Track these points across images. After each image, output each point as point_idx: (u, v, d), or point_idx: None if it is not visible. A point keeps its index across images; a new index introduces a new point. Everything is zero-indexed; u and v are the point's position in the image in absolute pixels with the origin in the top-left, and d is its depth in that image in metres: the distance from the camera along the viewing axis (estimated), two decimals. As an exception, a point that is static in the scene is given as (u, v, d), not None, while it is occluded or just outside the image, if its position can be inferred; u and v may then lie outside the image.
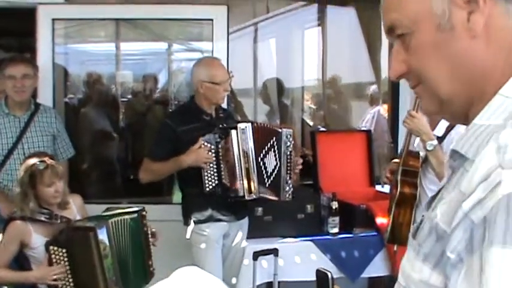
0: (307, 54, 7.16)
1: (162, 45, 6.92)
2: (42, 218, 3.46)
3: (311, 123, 6.91)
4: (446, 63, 1.00)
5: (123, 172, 5.58)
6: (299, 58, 7.20)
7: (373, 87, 7.00)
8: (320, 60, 6.80)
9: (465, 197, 0.89)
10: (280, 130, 3.91)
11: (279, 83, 6.75)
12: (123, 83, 6.71)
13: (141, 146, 5.57)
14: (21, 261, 3.53)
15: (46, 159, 3.49)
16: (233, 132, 3.77)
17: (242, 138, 3.77)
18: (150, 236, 3.63)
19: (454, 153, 1.01)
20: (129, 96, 6.62)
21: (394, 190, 3.65)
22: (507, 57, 0.99)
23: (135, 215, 3.60)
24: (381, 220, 4.30)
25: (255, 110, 7.16)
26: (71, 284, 3.42)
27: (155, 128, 5.82)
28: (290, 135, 3.90)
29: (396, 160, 3.77)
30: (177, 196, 4.86)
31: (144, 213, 3.63)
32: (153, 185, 4.35)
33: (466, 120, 1.04)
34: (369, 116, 6.67)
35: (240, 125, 3.81)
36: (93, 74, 6.07)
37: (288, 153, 3.87)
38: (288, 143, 3.88)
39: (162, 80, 6.90)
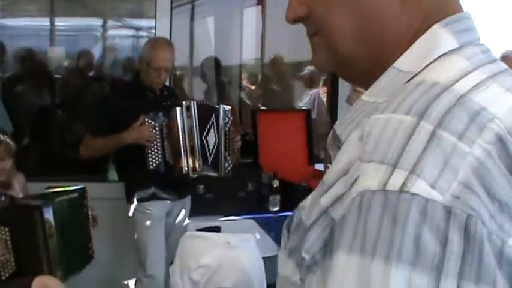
0: (246, 33, 7.17)
1: (96, 21, 6.80)
2: None
3: (248, 102, 6.94)
4: (353, 16, 0.83)
5: (60, 150, 5.48)
6: (237, 37, 7.20)
7: (311, 67, 7.06)
8: (259, 39, 6.81)
9: (324, 190, 0.78)
10: (218, 106, 3.94)
11: (217, 62, 6.74)
12: (57, 60, 6.57)
13: (77, 123, 5.49)
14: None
15: (0, 134, 3.42)
16: (178, 109, 3.75)
17: (187, 116, 3.76)
18: (90, 218, 3.59)
19: (334, 133, 0.86)
20: (63, 73, 6.48)
21: None
22: (421, 25, 0.82)
23: (77, 194, 3.55)
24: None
25: (191, 89, 7.14)
26: (12, 264, 3.36)
27: (91, 104, 5.78)
28: (228, 111, 3.93)
29: None
30: (112, 174, 4.84)
31: (85, 194, 3.58)
32: (89, 163, 4.30)
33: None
34: (308, 98, 6.73)
35: (185, 103, 3.80)
36: (26, 49, 5.90)
37: (227, 129, 3.90)
38: (227, 119, 3.91)
39: (96, 56, 6.78)
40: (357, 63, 0.85)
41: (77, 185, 3.63)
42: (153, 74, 3.81)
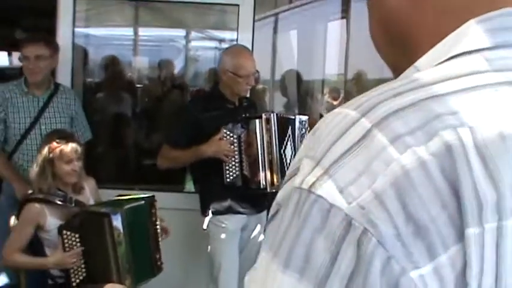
0: (330, 48, 7.05)
1: (179, 32, 6.83)
2: (56, 200, 3.38)
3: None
4: (379, 25, 0.81)
5: (137, 158, 5.49)
6: (321, 51, 7.08)
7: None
8: (343, 54, 6.67)
9: (283, 183, 0.72)
10: (294, 117, 3.82)
11: (298, 76, 6.64)
12: (139, 69, 6.62)
13: (156, 132, 5.48)
14: (34, 243, 3.44)
15: (68, 136, 3.44)
16: (257, 122, 3.65)
17: (266, 129, 3.65)
18: (158, 228, 3.53)
19: None
20: (145, 82, 6.52)
21: None
22: (452, 22, 0.72)
23: (144, 202, 3.52)
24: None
25: (272, 102, 7.07)
26: (83, 270, 3.34)
27: (171, 114, 5.77)
28: (305, 122, 3.80)
29: None
30: (189, 185, 4.78)
31: (154, 202, 3.54)
32: (166, 172, 4.25)
33: None
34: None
35: (264, 115, 3.69)
36: (110, 57, 5.96)
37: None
38: (303, 130, 3.78)
39: (178, 66, 6.80)
40: (397, 70, 0.79)
41: (149, 194, 3.61)
42: (242, 81, 3.73)
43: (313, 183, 0.61)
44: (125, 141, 5.58)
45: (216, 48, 7.19)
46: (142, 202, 3.50)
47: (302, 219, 0.61)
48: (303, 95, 6.73)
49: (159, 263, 3.52)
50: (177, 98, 6.12)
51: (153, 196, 3.55)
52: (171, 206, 3.90)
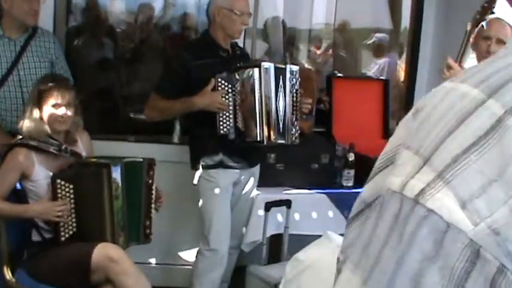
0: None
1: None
2: (51, 149, 3.15)
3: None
4: None
5: (119, 107, 5.24)
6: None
7: (380, 35, 6.67)
8: (332, 2, 6.43)
9: (370, 177, 0.61)
10: (284, 67, 3.59)
11: (283, 24, 6.40)
12: (116, 14, 6.32)
13: (139, 80, 5.24)
14: (19, 194, 3.22)
15: (59, 80, 3.28)
16: (255, 71, 3.42)
17: (265, 79, 3.43)
18: (153, 193, 3.34)
19: None
20: (123, 27, 6.23)
21: None
22: None
23: (144, 160, 3.32)
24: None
25: (253, 49, 6.83)
26: (73, 225, 3.14)
27: (152, 61, 5.51)
28: (295, 72, 3.59)
29: None
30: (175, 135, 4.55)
31: (153, 164, 3.34)
32: (152, 122, 4.04)
33: None
34: (376, 67, 6.33)
35: (264, 64, 3.46)
36: (89, 0, 5.65)
37: (294, 91, 3.57)
38: (294, 80, 3.58)
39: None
40: None
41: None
42: (237, 19, 3.50)
43: (422, 192, 0.46)
44: (109, 89, 5.31)
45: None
46: (141, 160, 3.31)
47: (406, 242, 0.45)
48: (287, 44, 6.50)
49: (147, 231, 3.32)
50: (157, 43, 5.87)
51: (153, 159, 3.35)
52: (158, 158, 3.69)
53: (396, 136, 0.55)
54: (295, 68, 3.65)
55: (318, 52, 7.05)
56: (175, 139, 4.34)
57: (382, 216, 0.48)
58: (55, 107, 3.14)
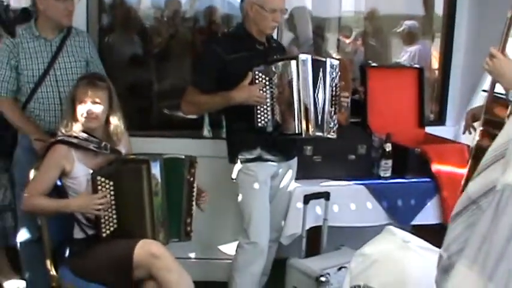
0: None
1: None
2: (91, 147, 3.17)
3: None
4: None
5: (154, 103, 5.24)
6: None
7: (409, 22, 6.59)
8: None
9: (477, 173, 0.63)
10: (325, 60, 3.56)
11: (310, 13, 6.35)
12: (144, 9, 6.33)
13: (170, 76, 5.23)
14: (60, 191, 3.23)
15: (93, 78, 3.28)
16: (293, 63, 3.40)
17: (302, 71, 3.40)
18: (195, 191, 3.33)
19: None
20: (151, 23, 6.23)
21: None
22: None
23: (185, 157, 3.31)
24: (437, 167, 4.01)
25: (280, 40, 6.80)
26: (114, 221, 3.15)
27: (182, 55, 5.50)
28: (336, 65, 3.56)
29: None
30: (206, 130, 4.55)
31: (195, 162, 3.33)
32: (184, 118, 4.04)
33: None
34: (407, 55, 6.26)
35: (301, 56, 3.43)
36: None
37: (334, 85, 3.55)
38: (334, 74, 3.55)
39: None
40: None
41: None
42: (268, 16, 3.48)
43: None
44: (141, 86, 5.32)
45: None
46: (183, 157, 3.30)
47: None
48: (315, 34, 6.45)
49: (188, 229, 3.31)
50: (185, 37, 5.86)
51: (194, 157, 3.34)
52: (189, 153, 3.67)
53: (504, 132, 0.53)
54: (336, 61, 3.61)
55: (347, 41, 6.99)
56: (206, 133, 4.34)
57: (504, 212, 0.48)
58: (87, 104, 3.16)
